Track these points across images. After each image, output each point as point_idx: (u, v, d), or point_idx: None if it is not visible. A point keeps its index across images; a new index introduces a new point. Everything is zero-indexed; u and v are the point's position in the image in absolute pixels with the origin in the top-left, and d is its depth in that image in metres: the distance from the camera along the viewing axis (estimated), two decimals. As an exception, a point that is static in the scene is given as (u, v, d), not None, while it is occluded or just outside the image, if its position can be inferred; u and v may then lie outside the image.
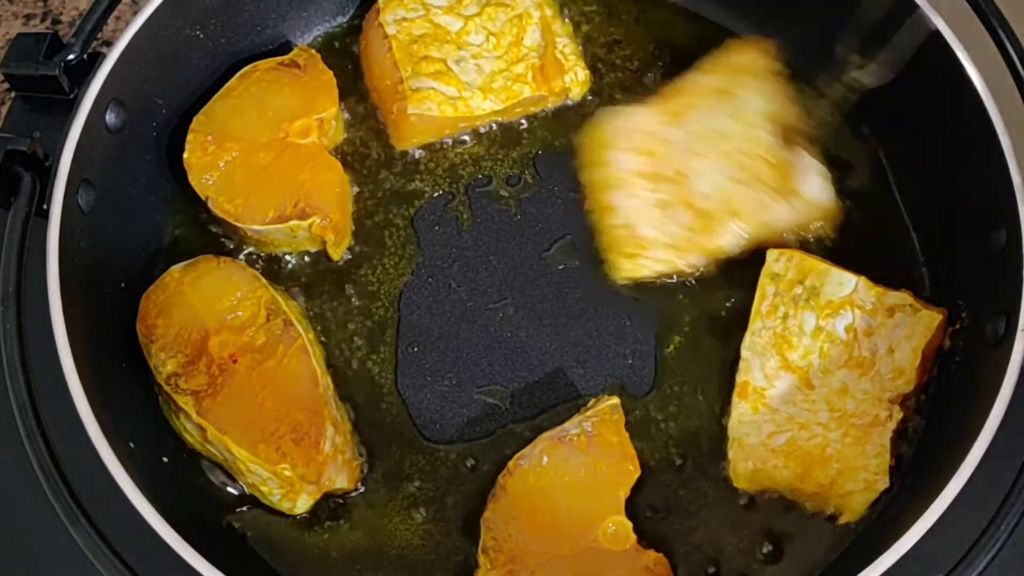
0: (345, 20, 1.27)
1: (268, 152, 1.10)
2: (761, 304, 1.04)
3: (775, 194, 1.04)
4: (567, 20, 1.23)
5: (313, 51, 1.18)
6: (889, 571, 0.82)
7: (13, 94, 1.15)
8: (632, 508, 0.97)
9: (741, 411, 1.01)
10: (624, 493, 0.96)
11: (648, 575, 0.93)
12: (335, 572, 0.99)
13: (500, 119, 1.19)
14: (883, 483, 0.97)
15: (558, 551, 0.93)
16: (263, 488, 0.97)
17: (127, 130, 1.05)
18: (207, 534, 0.97)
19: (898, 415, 0.99)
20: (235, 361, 0.99)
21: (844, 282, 1.03)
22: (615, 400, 1.00)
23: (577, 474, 0.95)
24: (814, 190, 1.02)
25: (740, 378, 1.02)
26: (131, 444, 0.93)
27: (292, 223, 1.07)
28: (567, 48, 1.19)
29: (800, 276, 1.04)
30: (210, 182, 1.08)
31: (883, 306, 1.02)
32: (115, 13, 1.08)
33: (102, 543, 0.80)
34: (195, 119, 1.12)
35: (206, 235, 1.14)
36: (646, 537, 0.97)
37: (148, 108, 1.10)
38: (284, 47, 1.24)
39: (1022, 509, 0.82)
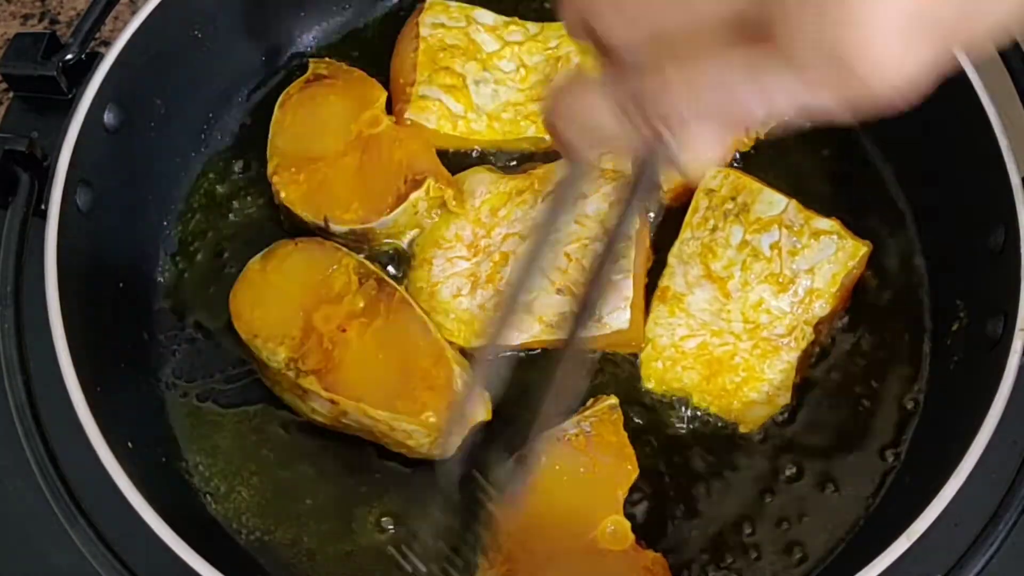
0: (343, 19, 1.27)
1: (353, 154, 1.10)
2: (693, 216, 1.07)
3: (576, 308, 1.02)
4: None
5: (327, 59, 1.19)
6: (887, 570, 0.82)
7: (11, 94, 1.15)
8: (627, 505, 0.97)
9: (658, 313, 1.04)
10: (622, 493, 0.96)
11: (647, 575, 0.93)
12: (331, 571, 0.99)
13: (496, 149, 1.17)
14: (784, 399, 1.01)
15: (557, 551, 0.93)
16: (410, 443, 0.98)
17: (125, 130, 1.05)
18: (205, 534, 0.98)
19: (810, 337, 1.02)
20: (344, 331, 0.99)
21: (775, 202, 1.06)
22: (614, 400, 1.01)
23: (576, 473, 0.96)
24: (614, 317, 1.02)
25: (662, 283, 1.05)
26: (129, 444, 0.92)
27: (412, 197, 1.06)
28: None
29: (733, 192, 1.07)
30: (320, 206, 1.08)
31: (810, 229, 1.05)
32: (113, 13, 1.08)
33: (100, 543, 0.80)
34: (269, 165, 1.10)
35: (205, 235, 1.14)
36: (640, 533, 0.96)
37: (147, 108, 1.10)
38: (280, 50, 1.24)
39: (1021, 508, 0.82)
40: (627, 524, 0.94)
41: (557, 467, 0.96)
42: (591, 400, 1.03)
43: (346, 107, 1.13)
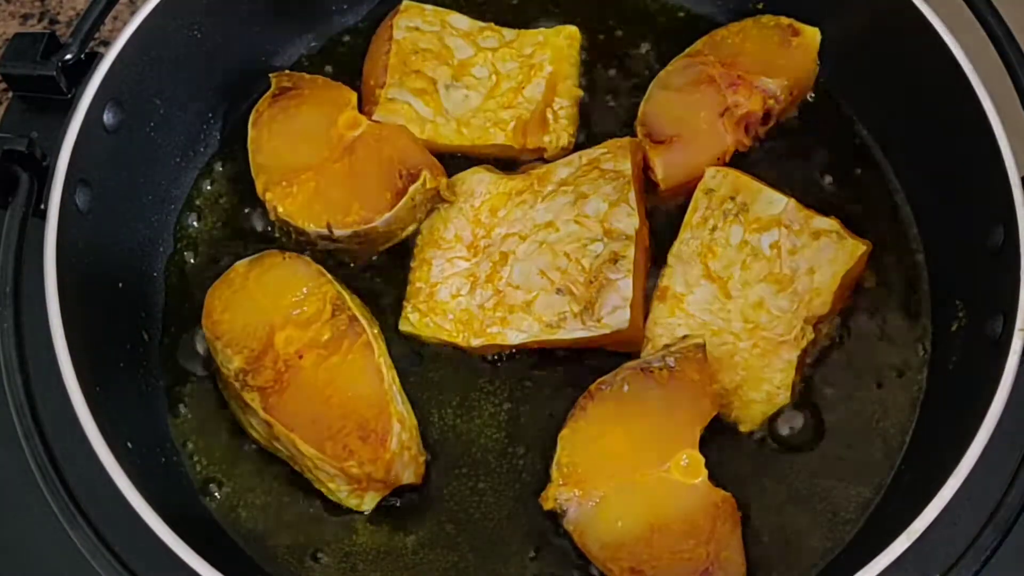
0: (343, 19, 1.27)
1: (341, 159, 1.10)
2: (693, 216, 1.08)
3: (575, 307, 1.03)
4: (580, 86, 1.19)
5: (288, 71, 1.18)
6: (887, 570, 0.83)
7: (11, 94, 1.15)
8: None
9: (658, 313, 1.05)
10: (699, 429, 0.97)
11: (715, 511, 0.93)
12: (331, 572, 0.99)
13: (463, 153, 1.17)
14: (784, 398, 1.01)
15: (630, 477, 0.95)
16: (330, 485, 0.97)
17: (125, 130, 1.05)
18: (205, 534, 0.98)
19: (809, 335, 1.02)
20: (301, 357, 0.98)
21: (774, 201, 1.07)
22: (700, 339, 1.00)
23: (655, 405, 0.97)
24: (614, 317, 1.02)
25: (662, 283, 1.06)
26: (128, 444, 0.93)
27: (410, 191, 1.06)
28: (562, 110, 1.16)
29: (732, 191, 1.08)
30: (319, 214, 1.07)
31: (809, 228, 1.05)
32: (112, 13, 1.08)
33: (99, 543, 0.80)
34: (257, 185, 1.10)
35: (203, 235, 1.14)
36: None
37: (146, 108, 1.10)
38: (282, 50, 1.24)
39: (1019, 507, 0.82)
40: (701, 459, 0.95)
41: (638, 396, 0.97)
42: (680, 338, 1.03)
43: (319, 114, 1.13)
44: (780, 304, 1.03)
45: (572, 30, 1.21)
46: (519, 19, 1.25)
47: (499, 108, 1.16)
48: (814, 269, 1.04)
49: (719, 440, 1.02)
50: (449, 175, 1.11)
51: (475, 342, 1.05)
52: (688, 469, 0.95)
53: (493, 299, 1.06)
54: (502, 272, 1.07)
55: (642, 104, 1.16)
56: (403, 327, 1.07)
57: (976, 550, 0.80)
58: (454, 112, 1.16)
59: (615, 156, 1.09)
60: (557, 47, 1.19)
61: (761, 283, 1.04)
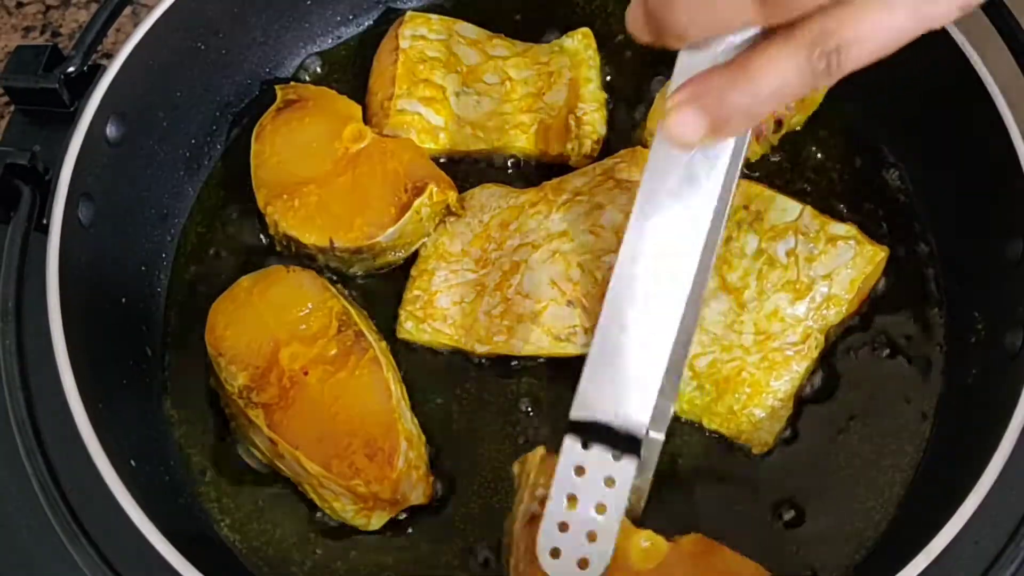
0: (348, 30, 1.27)
1: (345, 172, 1.08)
2: None
3: (586, 322, 1.01)
4: (603, 89, 1.18)
5: (292, 83, 1.18)
6: (906, 590, 0.81)
7: (12, 107, 1.14)
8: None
9: None
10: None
11: (693, 562, 0.89)
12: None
13: (485, 158, 1.16)
14: (786, 410, 1.00)
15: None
16: (335, 504, 0.96)
17: (128, 143, 1.04)
18: (210, 554, 0.97)
19: (821, 345, 1.02)
20: (306, 373, 0.98)
21: (789, 208, 1.05)
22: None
23: None
24: None
25: None
26: (132, 462, 0.92)
27: (415, 204, 1.05)
28: (586, 116, 1.14)
29: (745, 201, 1.06)
30: (321, 228, 1.06)
31: (826, 234, 1.04)
32: (115, 25, 1.07)
33: (102, 562, 0.79)
34: (259, 199, 1.09)
35: (207, 250, 1.14)
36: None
37: (149, 121, 1.09)
38: (285, 61, 1.24)
39: (1042, 528, 0.81)
40: (660, 538, 0.89)
41: None
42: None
43: (323, 127, 1.11)
44: (796, 312, 1.02)
45: (585, 31, 1.20)
46: (526, 37, 1.24)
47: (517, 112, 1.15)
48: (832, 276, 1.02)
49: (732, 463, 1.01)
50: (470, 182, 1.10)
51: (480, 348, 1.04)
52: (649, 553, 0.88)
53: (500, 307, 1.05)
54: (512, 280, 1.05)
55: (649, 114, 1.15)
56: (400, 334, 1.06)
57: (999, 570, 0.79)
58: (467, 117, 1.15)
59: (630, 166, 1.08)
60: (573, 51, 1.18)
61: (778, 292, 1.03)
